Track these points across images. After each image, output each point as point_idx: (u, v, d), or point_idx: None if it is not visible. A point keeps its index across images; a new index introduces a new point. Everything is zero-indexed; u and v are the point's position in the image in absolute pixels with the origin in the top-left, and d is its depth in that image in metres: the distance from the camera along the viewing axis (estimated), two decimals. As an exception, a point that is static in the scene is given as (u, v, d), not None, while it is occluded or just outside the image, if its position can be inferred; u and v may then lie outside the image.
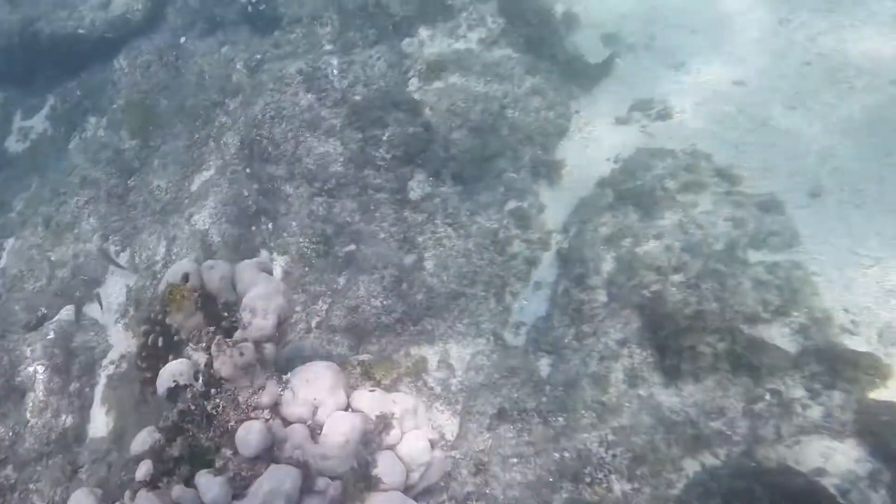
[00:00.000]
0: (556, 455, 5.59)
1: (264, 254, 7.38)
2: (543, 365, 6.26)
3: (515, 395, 5.86)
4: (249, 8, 8.65)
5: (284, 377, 4.68)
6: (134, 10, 9.18)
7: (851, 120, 7.27)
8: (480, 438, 5.66)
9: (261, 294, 4.63)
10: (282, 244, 7.24)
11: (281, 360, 5.66)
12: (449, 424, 5.90)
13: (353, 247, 7.07)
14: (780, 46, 7.88)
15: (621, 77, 8.32)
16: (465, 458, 5.64)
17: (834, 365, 5.98)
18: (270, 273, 5.10)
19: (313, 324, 6.56)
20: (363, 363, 5.14)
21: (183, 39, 9.18)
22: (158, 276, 7.08)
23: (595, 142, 7.95)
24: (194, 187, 7.92)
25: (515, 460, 5.53)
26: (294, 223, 7.18)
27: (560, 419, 5.81)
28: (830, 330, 6.32)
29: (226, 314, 4.77)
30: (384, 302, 6.57)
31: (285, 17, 8.61)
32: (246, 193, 7.55)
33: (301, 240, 7.13)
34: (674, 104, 7.92)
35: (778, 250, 6.80)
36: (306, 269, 7.05)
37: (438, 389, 6.22)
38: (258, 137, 7.26)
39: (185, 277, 4.85)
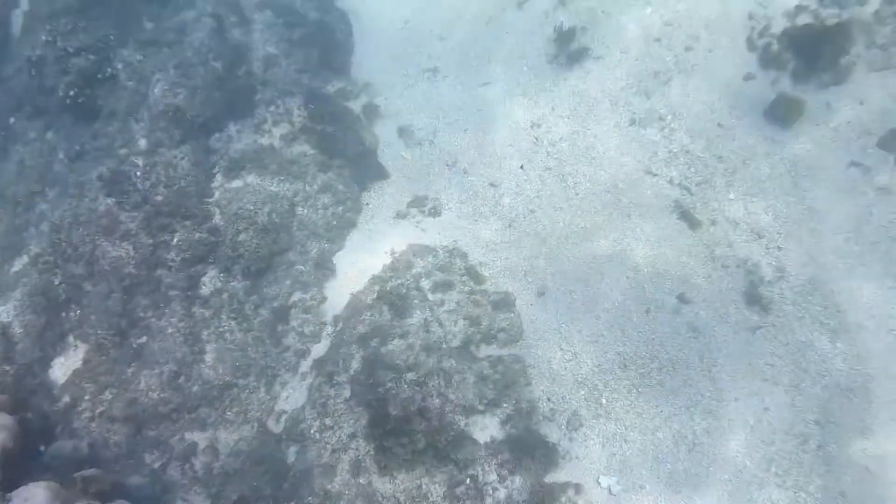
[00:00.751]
0: (280, 537, 6.87)
1: (70, 339, 8.33)
2: (291, 453, 7.48)
3: (255, 483, 7.08)
4: (68, 101, 9.33)
5: (8, 495, 5.74)
6: (-39, 91, 9.71)
7: (573, 224, 8.56)
8: (221, 523, 6.89)
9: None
10: (82, 334, 8.20)
11: (47, 458, 6.75)
12: (202, 508, 7.10)
13: (144, 339, 8.09)
14: (527, 149, 9.05)
15: (408, 171, 9.38)
16: (206, 540, 6.87)
17: (520, 453, 7.37)
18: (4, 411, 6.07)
19: (97, 412, 7.60)
20: (85, 479, 6.21)
21: (12, 120, 9.81)
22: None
23: (378, 235, 9.03)
24: (14, 270, 8.74)
25: (245, 543, 6.78)
26: (93, 316, 8.13)
27: (291, 505, 7.08)
28: (534, 418, 7.71)
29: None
30: (161, 395, 7.65)
31: (104, 110, 9.31)
32: (56, 282, 8.43)
33: (99, 331, 8.11)
34: (444, 201, 9.06)
35: (504, 345, 8.11)
36: (103, 357, 8.06)
37: (201, 473, 7.40)
38: (57, 241, 8.12)
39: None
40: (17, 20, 10.70)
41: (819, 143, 8.10)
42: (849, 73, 8.29)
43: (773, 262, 7.75)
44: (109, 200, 8.29)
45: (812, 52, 8.39)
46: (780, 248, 7.78)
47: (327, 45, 10.07)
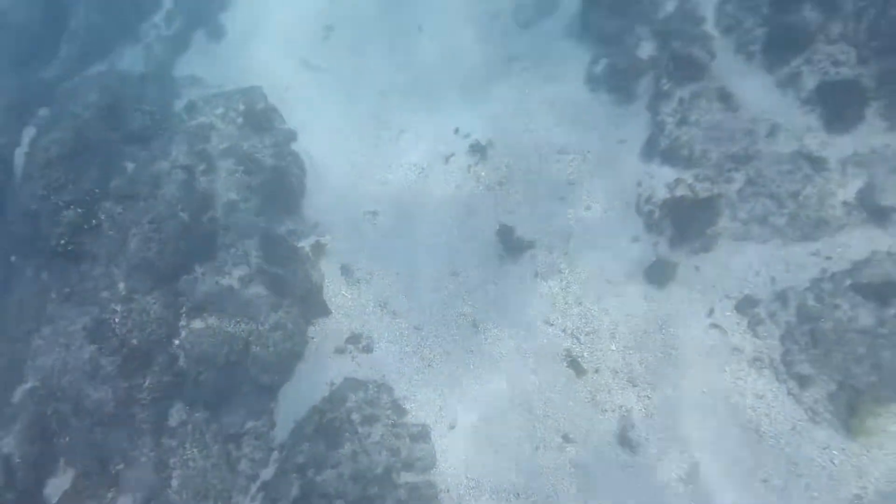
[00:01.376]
0: None
1: (61, 462, 9.95)
2: (238, 570, 9.10)
3: None
4: (59, 248, 10.90)
5: None
6: (-33, 232, 11.31)
7: (481, 366, 9.98)
8: None
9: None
10: (70, 460, 9.82)
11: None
12: None
13: (121, 466, 9.70)
14: (445, 297, 10.51)
15: (347, 309, 10.87)
16: None
17: (423, 576, 8.94)
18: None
19: (82, 536, 9.24)
20: None
21: (13, 258, 11.40)
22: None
23: (321, 368, 10.55)
24: (15, 401, 10.37)
25: None
26: (79, 446, 9.74)
27: None
28: (442, 539, 9.26)
29: None
30: (134, 520, 9.29)
31: (90, 254, 10.88)
32: (49, 412, 10.05)
33: (84, 459, 9.72)
34: (375, 339, 10.55)
35: (420, 473, 9.64)
36: (88, 483, 9.68)
37: (164, 588, 9.04)
38: (48, 384, 9.74)
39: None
40: (20, 158, 12.30)
41: (687, 304, 9.52)
42: (715, 242, 9.68)
43: (643, 409, 9.21)
44: (92, 347, 9.90)
45: (686, 221, 9.79)
46: (648, 398, 9.23)
47: (282, 188, 11.57)
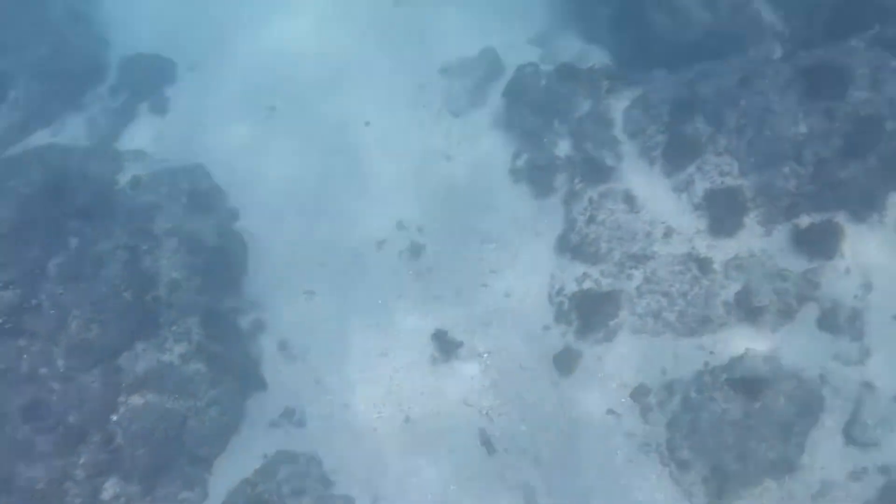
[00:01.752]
0: None
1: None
2: None
3: None
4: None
5: None
6: None
7: (403, 441, 10.85)
8: None
9: None
10: (4, 536, 10.17)
11: None
12: None
13: (55, 543, 10.11)
14: (373, 377, 11.35)
15: (283, 383, 11.57)
16: None
17: None
18: None
19: None
20: None
21: (-51, 329, 11.66)
22: None
23: (255, 441, 11.19)
24: (-52, 476, 10.62)
25: None
26: (13, 523, 10.11)
27: None
28: None
29: None
30: None
31: (28, 331, 11.25)
32: (-17, 490, 10.36)
33: (17, 536, 10.08)
34: (308, 414, 11.27)
35: (343, 543, 10.43)
36: (20, 559, 10.03)
37: None
38: (-16, 464, 10.10)
39: None
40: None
41: (588, 391, 10.63)
42: (616, 334, 10.87)
43: (546, 487, 10.23)
44: (27, 427, 10.27)
45: (591, 314, 10.96)
46: (551, 476, 10.25)
47: (224, 267, 12.19)
